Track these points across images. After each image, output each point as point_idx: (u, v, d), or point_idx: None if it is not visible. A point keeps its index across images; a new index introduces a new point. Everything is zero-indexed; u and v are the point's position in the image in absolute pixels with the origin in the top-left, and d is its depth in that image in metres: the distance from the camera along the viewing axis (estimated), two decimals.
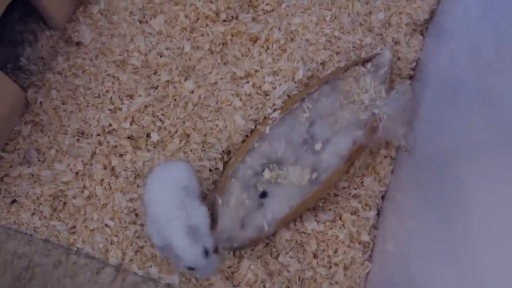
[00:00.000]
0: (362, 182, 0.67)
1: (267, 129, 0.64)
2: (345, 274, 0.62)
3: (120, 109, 0.67)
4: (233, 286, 0.60)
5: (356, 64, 0.68)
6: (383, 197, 0.67)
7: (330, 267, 0.62)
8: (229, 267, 0.61)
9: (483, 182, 0.48)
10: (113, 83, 0.69)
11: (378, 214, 0.66)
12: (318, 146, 0.63)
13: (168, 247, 0.54)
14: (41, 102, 0.67)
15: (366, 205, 0.66)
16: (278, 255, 0.63)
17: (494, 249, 0.43)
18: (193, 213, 0.56)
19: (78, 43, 0.71)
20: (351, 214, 0.65)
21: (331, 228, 0.64)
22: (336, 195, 0.66)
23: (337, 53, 0.70)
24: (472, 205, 0.49)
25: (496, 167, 0.46)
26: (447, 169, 0.56)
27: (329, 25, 0.71)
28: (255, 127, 0.66)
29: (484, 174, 0.48)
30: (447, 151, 0.58)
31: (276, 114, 0.64)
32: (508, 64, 0.48)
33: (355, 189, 0.66)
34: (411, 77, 0.73)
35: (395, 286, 0.59)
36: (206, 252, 0.54)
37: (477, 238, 0.46)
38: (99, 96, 0.68)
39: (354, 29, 0.72)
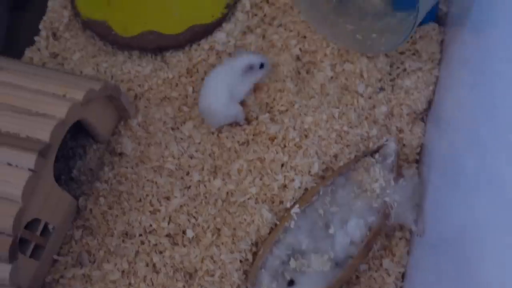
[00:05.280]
0: (381, 264, 0.73)
1: (292, 224, 0.71)
2: None
3: (159, 210, 0.76)
4: None
5: (366, 156, 0.76)
6: (403, 277, 0.72)
7: None
8: None
9: (493, 259, 0.53)
10: (152, 188, 0.78)
11: None
12: (337, 235, 0.70)
13: None
14: (90, 209, 0.77)
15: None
16: None
17: None
18: None
19: (120, 154, 0.82)
20: None
21: None
22: (357, 277, 0.72)
23: (347, 145, 0.79)
24: (484, 279, 0.54)
25: (503, 246, 0.51)
26: (458, 248, 0.61)
27: (338, 121, 0.80)
28: (279, 219, 0.74)
29: (492, 252, 0.53)
30: (455, 232, 0.64)
31: (297, 209, 0.72)
32: (503, 142, 0.53)
33: (376, 271, 0.72)
34: (417, 161, 0.80)
35: None
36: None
37: None
38: (140, 200, 0.78)
39: (360, 123, 0.80)
